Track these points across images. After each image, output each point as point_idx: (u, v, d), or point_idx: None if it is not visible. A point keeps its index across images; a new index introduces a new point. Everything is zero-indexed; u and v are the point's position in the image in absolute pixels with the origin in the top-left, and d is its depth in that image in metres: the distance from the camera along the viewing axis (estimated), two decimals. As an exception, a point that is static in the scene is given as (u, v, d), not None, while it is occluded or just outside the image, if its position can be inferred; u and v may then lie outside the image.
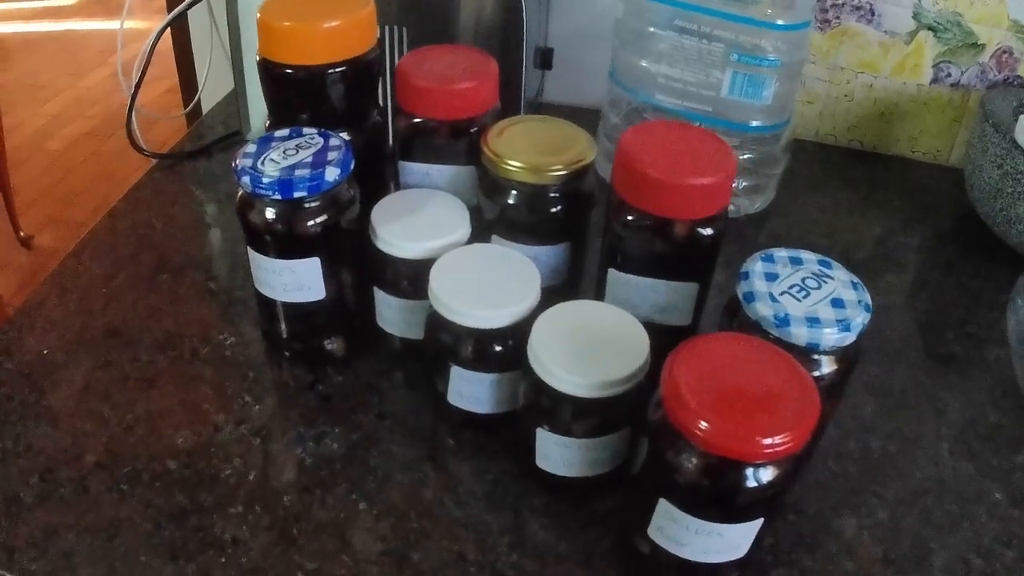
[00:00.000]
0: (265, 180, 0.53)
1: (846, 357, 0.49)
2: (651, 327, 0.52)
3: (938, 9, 0.86)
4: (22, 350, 0.64)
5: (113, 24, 3.31)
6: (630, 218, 0.54)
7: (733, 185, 0.78)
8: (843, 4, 0.88)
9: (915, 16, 0.87)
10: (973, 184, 0.81)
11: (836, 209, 0.86)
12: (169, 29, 0.89)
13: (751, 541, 0.46)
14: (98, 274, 0.71)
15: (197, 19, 0.99)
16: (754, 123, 0.75)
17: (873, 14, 0.88)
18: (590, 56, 0.85)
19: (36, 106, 2.86)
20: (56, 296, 0.69)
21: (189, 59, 1.01)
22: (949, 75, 0.90)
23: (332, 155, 0.55)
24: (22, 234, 2.19)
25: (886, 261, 0.79)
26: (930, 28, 0.88)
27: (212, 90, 1.00)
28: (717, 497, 0.44)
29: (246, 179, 0.54)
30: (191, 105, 1.02)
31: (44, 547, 0.51)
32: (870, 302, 0.49)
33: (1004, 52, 0.87)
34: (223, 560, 0.50)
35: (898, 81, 0.91)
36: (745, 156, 0.77)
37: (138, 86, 0.86)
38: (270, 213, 0.55)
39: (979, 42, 0.87)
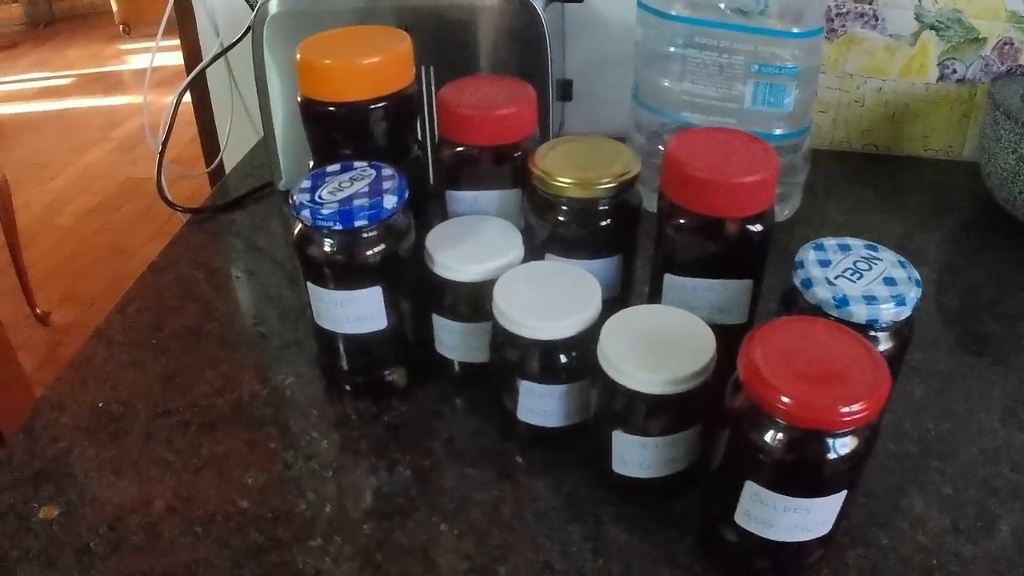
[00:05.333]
0: (325, 211, 0.54)
1: (901, 333, 0.51)
2: (710, 327, 0.53)
3: (938, 8, 0.88)
4: (76, 404, 0.64)
5: (111, 100, 3.36)
6: (682, 221, 0.56)
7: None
8: (847, 12, 0.91)
9: (917, 17, 0.90)
10: (990, 172, 0.83)
11: (858, 212, 0.87)
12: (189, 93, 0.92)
13: (835, 516, 0.47)
14: (145, 325, 0.72)
15: (216, 78, 1.01)
16: (778, 131, 0.77)
17: (877, 19, 0.91)
18: (606, 84, 0.86)
19: (42, 184, 2.89)
20: (104, 350, 0.69)
21: (209, 117, 1.03)
22: (954, 71, 0.92)
23: (387, 184, 0.57)
24: (39, 311, 2.19)
25: (914, 254, 0.79)
26: (932, 27, 0.90)
27: (230, 148, 1.01)
28: (803, 471, 0.45)
29: (306, 212, 0.54)
30: (215, 163, 1.03)
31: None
32: (919, 278, 0.51)
33: (1005, 44, 0.90)
34: (310, 591, 0.50)
35: (906, 82, 0.93)
36: (770, 164, 0.79)
37: (165, 143, 0.88)
38: (329, 245, 0.56)
39: (980, 36, 0.90)
